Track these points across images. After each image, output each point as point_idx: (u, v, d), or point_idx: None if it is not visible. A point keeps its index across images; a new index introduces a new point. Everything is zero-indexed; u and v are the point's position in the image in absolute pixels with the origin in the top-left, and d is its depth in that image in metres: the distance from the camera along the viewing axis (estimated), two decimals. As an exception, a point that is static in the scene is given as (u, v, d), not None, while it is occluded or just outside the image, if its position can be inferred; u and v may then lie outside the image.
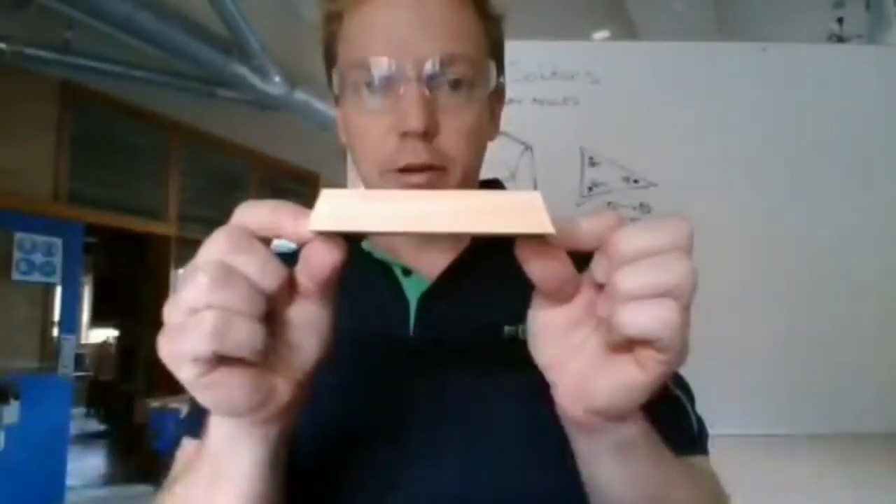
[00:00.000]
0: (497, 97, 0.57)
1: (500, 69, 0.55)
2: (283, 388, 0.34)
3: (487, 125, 0.54)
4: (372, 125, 0.50)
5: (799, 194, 1.39)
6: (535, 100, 1.39)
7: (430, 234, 0.29)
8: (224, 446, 0.36)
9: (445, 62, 0.48)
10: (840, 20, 2.51)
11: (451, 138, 0.49)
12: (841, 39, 2.47)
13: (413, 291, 0.53)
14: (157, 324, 0.30)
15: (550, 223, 0.28)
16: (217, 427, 0.35)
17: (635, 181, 1.38)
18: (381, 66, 0.48)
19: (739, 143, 1.40)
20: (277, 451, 0.37)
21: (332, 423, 0.48)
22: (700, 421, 0.54)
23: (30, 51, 3.21)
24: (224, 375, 0.31)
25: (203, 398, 0.32)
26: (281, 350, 0.33)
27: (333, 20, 0.52)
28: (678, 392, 0.54)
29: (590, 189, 1.38)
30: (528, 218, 0.28)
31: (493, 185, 0.63)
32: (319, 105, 3.83)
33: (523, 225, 0.28)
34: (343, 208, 0.29)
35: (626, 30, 3.48)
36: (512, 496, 0.46)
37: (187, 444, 0.52)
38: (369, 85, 0.49)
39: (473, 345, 0.51)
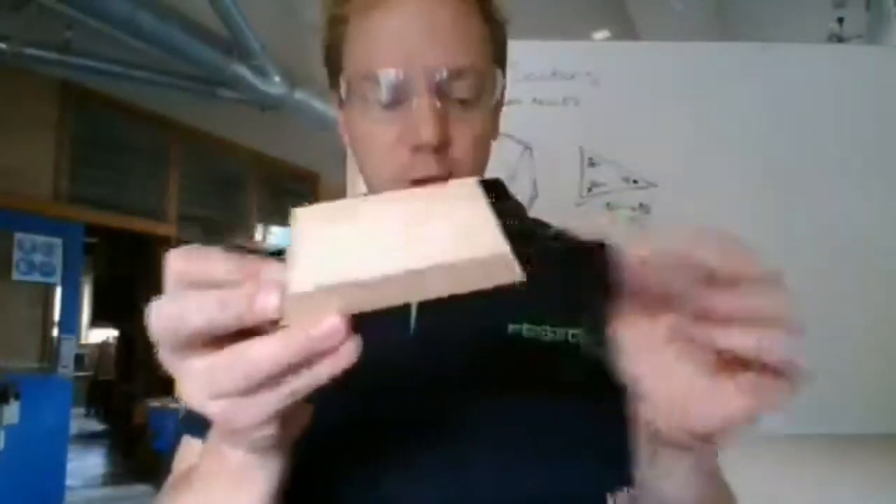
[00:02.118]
0: (500, 100, 0.57)
1: (503, 72, 0.55)
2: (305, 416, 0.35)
3: (492, 129, 0.55)
4: (380, 135, 0.49)
5: (798, 194, 1.38)
6: (534, 100, 1.39)
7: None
8: (237, 472, 0.36)
9: (454, 73, 0.48)
10: (840, 20, 2.52)
11: (462, 148, 0.49)
12: (841, 39, 2.47)
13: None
14: (156, 324, 0.30)
15: (520, 271, 0.29)
16: (228, 452, 0.36)
17: (635, 181, 1.38)
18: (390, 76, 0.47)
19: (739, 143, 1.40)
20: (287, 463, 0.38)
21: (333, 422, 0.48)
22: None
23: (30, 51, 3.21)
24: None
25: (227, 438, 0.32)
26: None
27: (338, 24, 0.52)
28: None
29: (589, 189, 1.38)
30: (501, 274, 0.30)
31: (496, 185, 0.63)
32: (319, 105, 3.83)
33: (497, 279, 0.30)
34: (314, 301, 0.28)
35: (626, 30, 3.47)
36: (512, 496, 0.46)
37: (188, 443, 0.52)
38: (378, 95, 0.48)
39: (476, 343, 0.50)
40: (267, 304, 0.27)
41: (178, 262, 0.29)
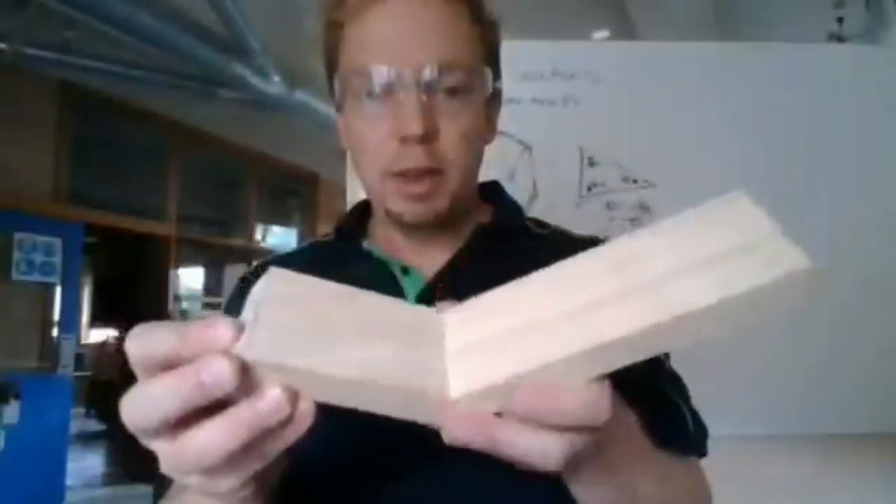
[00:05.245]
0: (494, 101, 0.58)
1: (497, 74, 0.57)
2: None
3: (484, 128, 0.56)
4: (373, 131, 0.52)
5: (797, 194, 1.38)
6: (534, 100, 1.39)
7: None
8: None
9: (442, 69, 0.50)
10: (840, 20, 2.51)
11: (449, 142, 0.51)
12: (841, 39, 2.47)
13: (412, 290, 0.53)
14: (156, 323, 0.29)
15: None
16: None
17: (634, 181, 1.38)
18: (380, 73, 0.49)
19: (739, 143, 1.40)
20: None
21: (329, 427, 0.48)
22: (695, 416, 0.54)
23: (30, 51, 3.21)
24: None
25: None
26: None
27: (335, 29, 0.54)
28: (674, 395, 0.54)
29: (589, 189, 1.38)
30: (431, 414, 0.30)
31: (492, 187, 0.63)
32: (319, 105, 3.83)
33: (424, 418, 0.31)
34: (264, 370, 0.28)
35: (626, 30, 3.47)
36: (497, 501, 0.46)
37: None
38: (370, 92, 0.51)
39: None
40: (216, 388, 0.26)
41: (130, 349, 0.28)
